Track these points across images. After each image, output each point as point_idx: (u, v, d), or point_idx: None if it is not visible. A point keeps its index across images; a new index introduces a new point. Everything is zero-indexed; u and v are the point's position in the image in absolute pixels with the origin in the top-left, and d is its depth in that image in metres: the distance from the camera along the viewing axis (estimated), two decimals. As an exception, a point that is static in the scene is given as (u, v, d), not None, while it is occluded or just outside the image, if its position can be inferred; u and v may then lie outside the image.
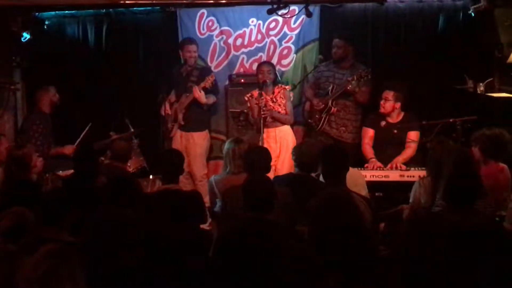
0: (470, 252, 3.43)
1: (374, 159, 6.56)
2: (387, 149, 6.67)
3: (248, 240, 3.69)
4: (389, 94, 6.70)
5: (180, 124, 7.27)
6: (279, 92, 7.01)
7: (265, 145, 6.57)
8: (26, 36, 7.62)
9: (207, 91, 7.15)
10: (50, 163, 6.54)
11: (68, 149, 6.95)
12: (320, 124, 7.05)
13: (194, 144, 7.25)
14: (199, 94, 7.02)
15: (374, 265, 3.28)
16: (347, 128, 7.08)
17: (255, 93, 6.98)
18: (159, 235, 3.70)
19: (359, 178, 5.54)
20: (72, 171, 5.80)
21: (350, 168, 5.66)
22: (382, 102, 6.72)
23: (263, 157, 5.26)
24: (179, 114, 7.24)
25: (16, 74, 7.83)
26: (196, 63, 7.37)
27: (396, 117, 6.76)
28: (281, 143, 6.94)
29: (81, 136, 7.11)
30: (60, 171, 6.42)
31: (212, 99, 7.26)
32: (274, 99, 6.98)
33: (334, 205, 3.56)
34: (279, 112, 6.98)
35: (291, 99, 7.20)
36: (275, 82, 7.15)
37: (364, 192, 5.44)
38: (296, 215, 4.59)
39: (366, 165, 6.57)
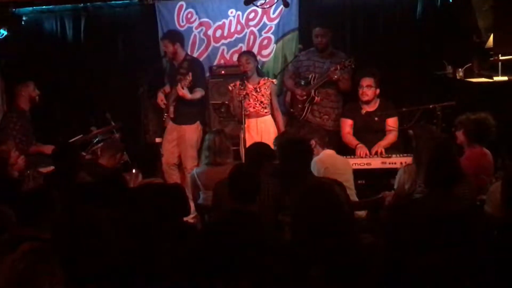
0: (450, 236, 3.45)
1: (361, 145, 6.56)
2: (367, 137, 6.68)
3: (231, 233, 3.69)
4: (370, 81, 6.69)
5: (170, 117, 7.25)
6: (264, 83, 6.98)
7: (246, 136, 6.59)
8: (3, 32, 7.57)
9: (194, 85, 7.08)
10: (31, 160, 6.49)
11: (49, 149, 6.85)
12: (304, 114, 7.05)
13: (185, 137, 7.21)
14: (183, 92, 6.96)
15: (356, 253, 3.28)
16: (330, 116, 7.08)
17: (238, 83, 6.96)
18: (141, 229, 3.70)
19: (348, 167, 5.61)
20: (53, 167, 5.78)
21: (340, 157, 5.73)
22: (364, 90, 6.69)
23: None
24: (170, 107, 7.21)
25: (-6, 71, 7.79)
26: (177, 55, 7.27)
27: (373, 105, 6.78)
28: (262, 134, 6.92)
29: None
30: (42, 168, 6.38)
31: (199, 93, 7.15)
32: (258, 89, 6.95)
33: (315, 194, 3.56)
34: (261, 102, 6.96)
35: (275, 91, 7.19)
36: (259, 72, 7.15)
37: (351, 180, 5.50)
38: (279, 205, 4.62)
39: (357, 151, 6.52)
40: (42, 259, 2.52)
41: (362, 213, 5.45)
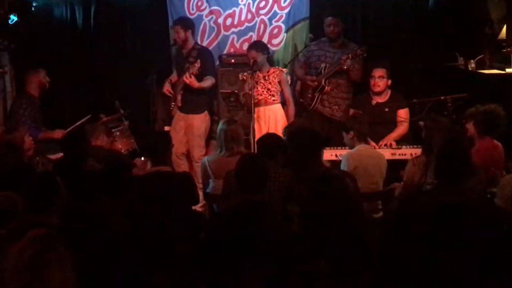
0: (460, 229, 3.43)
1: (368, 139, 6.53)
2: (378, 128, 6.63)
3: (239, 222, 3.68)
4: (382, 72, 6.66)
5: (178, 105, 7.23)
6: (273, 72, 6.97)
7: (256, 125, 6.58)
8: (13, 18, 7.52)
9: (203, 74, 7.04)
10: (40, 146, 6.49)
11: (58, 134, 6.86)
12: (313, 104, 7.01)
13: (192, 126, 7.19)
14: (190, 80, 6.93)
15: (365, 244, 3.27)
16: (340, 106, 7.04)
17: (249, 72, 6.91)
18: (149, 218, 3.69)
19: (381, 166, 5.52)
20: (62, 154, 5.78)
21: (375, 154, 5.66)
22: (376, 81, 6.65)
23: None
24: (177, 95, 7.19)
25: (4, 57, 7.75)
26: (187, 42, 7.23)
27: (384, 96, 6.75)
28: (270, 122, 6.90)
29: (75, 125, 7.03)
30: (51, 154, 6.38)
31: (210, 81, 7.12)
32: (267, 77, 6.94)
33: (325, 185, 3.55)
34: (269, 89, 6.93)
35: (289, 82, 7.15)
36: (270, 62, 7.11)
37: (380, 183, 5.45)
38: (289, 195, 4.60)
39: None
40: (50, 246, 2.52)
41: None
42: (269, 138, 5.35)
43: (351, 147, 5.61)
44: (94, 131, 6.22)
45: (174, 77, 7.43)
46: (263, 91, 6.93)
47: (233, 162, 4.72)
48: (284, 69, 7.08)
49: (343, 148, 6.11)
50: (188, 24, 7.28)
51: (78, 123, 7.00)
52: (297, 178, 4.48)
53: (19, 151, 5.46)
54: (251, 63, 6.88)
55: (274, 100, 6.98)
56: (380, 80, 6.66)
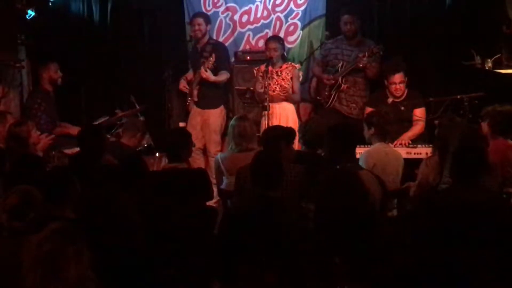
0: (476, 228, 3.42)
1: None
2: (393, 127, 6.60)
3: (254, 218, 3.68)
4: (401, 76, 6.62)
5: (194, 101, 7.25)
6: (286, 67, 6.97)
7: (270, 122, 6.59)
8: (30, 13, 7.55)
9: (218, 68, 7.08)
10: (57, 141, 6.52)
11: (75, 130, 6.88)
12: (330, 101, 7.01)
13: (209, 122, 7.23)
14: (206, 74, 6.97)
15: (380, 242, 3.26)
16: (358, 104, 7.03)
17: (263, 66, 6.92)
18: (164, 213, 3.71)
19: (398, 165, 5.47)
20: (78, 149, 5.80)
21: (393, 153, 5.61)
22: (398, 86, 6.60)
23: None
24: (194, 90, 7.22)
25: (21, 51, 7.76)
26: (204, 37, 7.28)
27: (401, 95, 6.72)
28: (281, 118, 6.90)
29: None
30: (67, 149, 6.41)
31: (225, 75, 7.18)
32: (279, 73, 6.94)
33: (340, 183, 3.54)
34: (281, 85, 6.92)
35: (300, 78, 7.14)
36: (284, 58, 7.12)
37: (397, 182, 5.41)
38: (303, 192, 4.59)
39: None
40: (68, 239, 2.54)
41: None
42: (270, 129, 5.37)
43: (370, 142, 5.60)
44: (136, 126, 6.28)
45: (190, 74, 7.46)
46: (275, 87, 6.93)
47: (244, 158, 4.73)
48: (297, 65, 7.07)
49: (358, 146, 6.08)
50: (209, 19, 7.36)
51: (96, 123, 7.03)
52: (313, 175, 4.46)
53: (24, 144, 5.48)
54: (268, 56, 6.88)
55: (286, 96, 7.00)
56: (401, 85, 6.62)
